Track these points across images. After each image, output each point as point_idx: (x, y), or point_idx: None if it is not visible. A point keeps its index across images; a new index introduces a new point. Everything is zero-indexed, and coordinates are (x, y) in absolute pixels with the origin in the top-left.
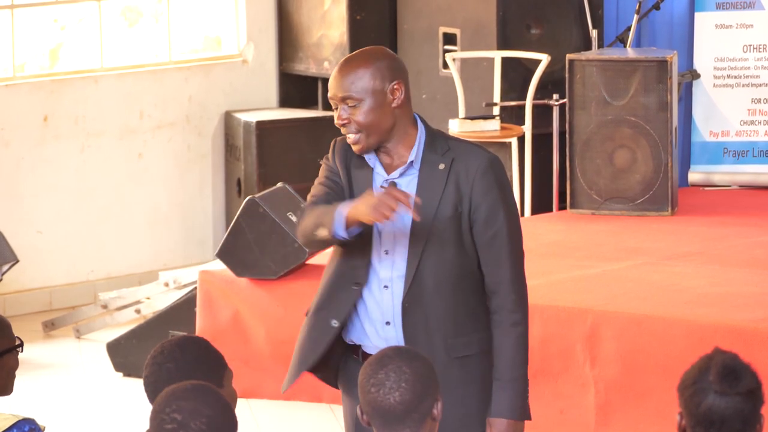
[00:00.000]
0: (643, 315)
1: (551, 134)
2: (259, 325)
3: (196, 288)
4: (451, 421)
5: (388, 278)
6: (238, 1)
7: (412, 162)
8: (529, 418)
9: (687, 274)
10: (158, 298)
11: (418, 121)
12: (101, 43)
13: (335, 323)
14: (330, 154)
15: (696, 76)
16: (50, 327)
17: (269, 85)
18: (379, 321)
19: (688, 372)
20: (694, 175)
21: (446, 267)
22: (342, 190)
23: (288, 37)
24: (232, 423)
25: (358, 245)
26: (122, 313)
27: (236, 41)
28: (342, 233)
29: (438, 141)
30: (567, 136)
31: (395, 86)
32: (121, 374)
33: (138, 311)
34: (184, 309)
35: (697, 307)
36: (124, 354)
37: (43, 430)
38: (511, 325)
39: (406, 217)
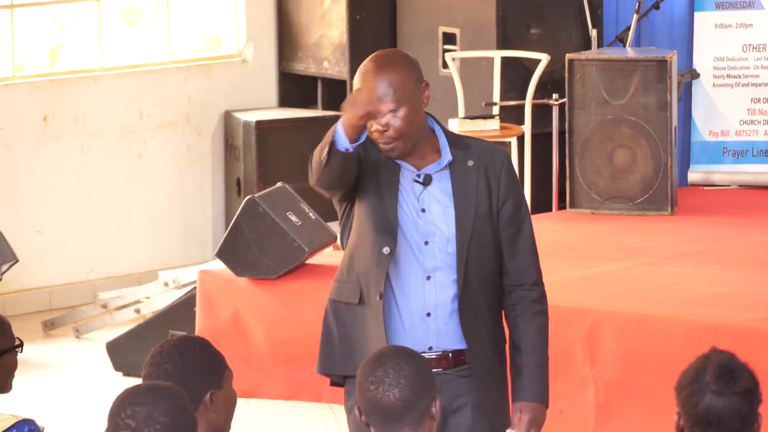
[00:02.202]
0: (643, 315)
1: (551, 134)
2: (258, 325)
3: (195, 288)
4: (502, 413)
5: (431, 269)
6: (237, 0)
7: (449, 160)
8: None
9: (686, 273)
10: (158, 298)
11: (430, 119)
12: (101, 43)
13: (377, 297)
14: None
15: (695, 75)
16: (50, 327)
17: (269, 85)
18: (419, 313)
19: (685, 372)
20: (694, 175)
21: (486, 260)
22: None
23: (288, 36)
24: (188, 427)
25: (381, 219)
26: (122, 312)
27: (236, 41)
28: (345, 144)
29: (457, 139)
30: (567, 135)
31: (424, 86)
32: (120, 374)
33: (137, 311)
34: (183, 309)
35: (696, 306)
36: (123, 354)
37: (43, 430)
38: (536, 314)
39: (447, 210)
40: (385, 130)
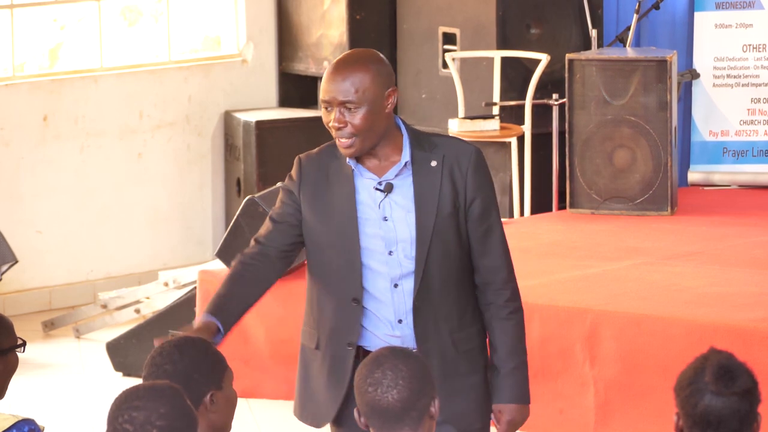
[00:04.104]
0: (643, 315)
1: (551, 134)
2: (258, 325)
3: (195, 288)
4: (460, 413)
5: (397, 277)
6: (237, 0)
7: (407, 162)
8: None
9: (686, 273)
10: (158, 298)
11: (399, 122)
12: (101, 43)
13: (350, 346)
14: (296, 173)
15: (696, 75)
16: (50, 327)
17: (269, 85)
18: (392, 320)
19: (684, 372)
20: (694, 175)
21: (450, 262)
22: (298, 215)
23: (288, 36)
24: (187, 427)
25: (341, 261)
26: (122, 312)
27: (236, 41)
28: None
29: (422, 138)
30: (567, 135)
31: (391, 92)
32: (120, 374)
33: (137, 311)
34: (183, 309)
35: (696, 306)
36: (123, 354)
37: (43, 430)
38: (510, 313)
39: (408, 216)
40: (341, 126)
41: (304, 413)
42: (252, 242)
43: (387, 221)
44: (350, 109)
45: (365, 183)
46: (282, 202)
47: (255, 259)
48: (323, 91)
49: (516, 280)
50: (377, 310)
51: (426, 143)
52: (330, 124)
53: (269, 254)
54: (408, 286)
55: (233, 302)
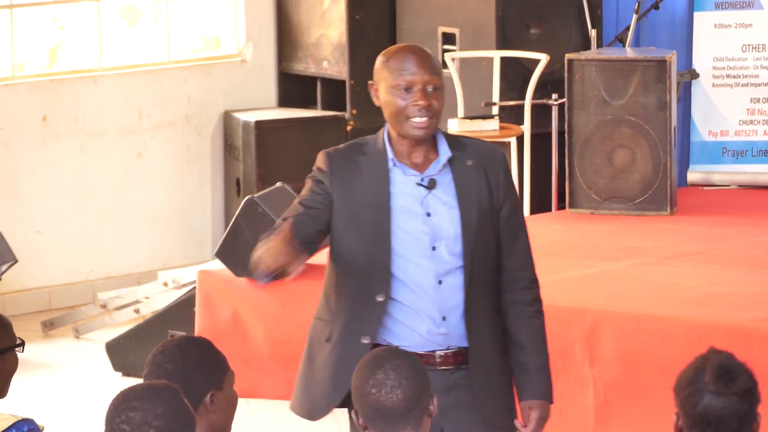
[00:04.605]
0: (642, 315)
1: (550, 134)
2: (258, 325)
3: (195, 288)
4: (499, 411)
5: (442, 273)
6: (237, 0)
7: (449, 158)
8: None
9: (686, 273)
10: (157, 298)
11: None
12: (100, 43)
13: (366, 340)
14: (325, 165)
15: (695, 75)
16: (49, 327)
17: (268, 85)
18: (435, 317)
19: (684, 372)
20: (693, 175)
21: (488, 260)
22: (328, 204)
23: (287, 36)
24: (185, 427)
25: (370, 257)
26: (121, 312)
27: (235, 41)
28: (259, 275)
29: (454, 139)
30: (566, 135)
31: None
32: (120, 374)
33: (137, 311)
34: (183, 309)
35: (696, 306)
36: (123, 354)
37: (42, 430)
38: (536, 312)
39: (451, 211)
40: (427, 105)
41: (301, 405)
42: (277, 222)
43: (431, 217)
44: (432, 90)
45: (405, 179)
46: (312, 190)
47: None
48: (404, 73)
49: (539, 284)
50: (416, 306)
51: (457, 143)
52: (415, 103)
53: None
54: (452, 282)
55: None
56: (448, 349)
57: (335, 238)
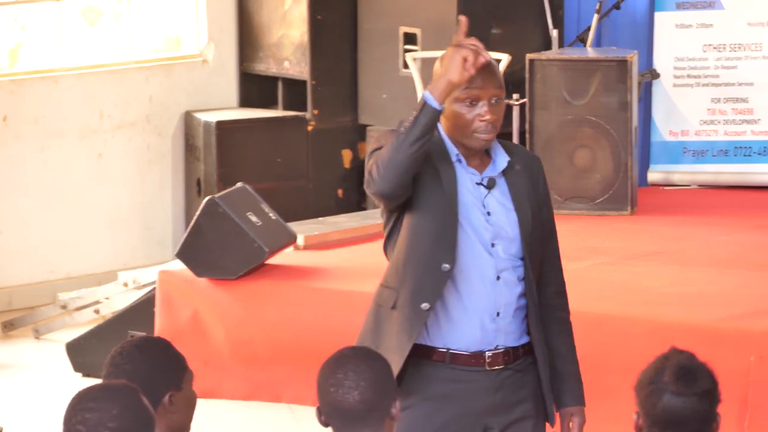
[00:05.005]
0: (604, 314)
1: (512, 134)
2: (218, 325)
3: (155, 288)
4: (543, 410)
5: (501, 269)
6: (198, 1)
7: (508, 160)
8: None
9: (647, 273)
10: (117, 299)
11: None
12: (61, 43)
13: (426, 306)
14: None
15: (656, 75)
16: (9, 327)
17: (229, 85)
18: (491, 312)
19: (645, 372)
20: (654, 175)
21: (537, 262)
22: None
23: (248, 36)
24: (142, 427)
25: (436, 239)
26: (81, 313)
27: (197, 41)
28: (436, 105)
29: (502, 143)
30: (527, 135)
31: None
32: (80, 374)
33: (97, 311)
34: (143, 309)
35: (657, 306)
36: (83, 354)
37: (2, 430)
38: (568, 316)
39: (508, 213)
40: (492, 120)
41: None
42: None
43: (491, 216)
44: (495, 101)
45: (467, 176)
46: None
47: None
48: (470, 87)
49: None
50: (474, 299)
51: (507, 147)
52: (482, 119)
53: None
54: (509, 279)
55: None
56: (496, 348)
57: (410, 211)
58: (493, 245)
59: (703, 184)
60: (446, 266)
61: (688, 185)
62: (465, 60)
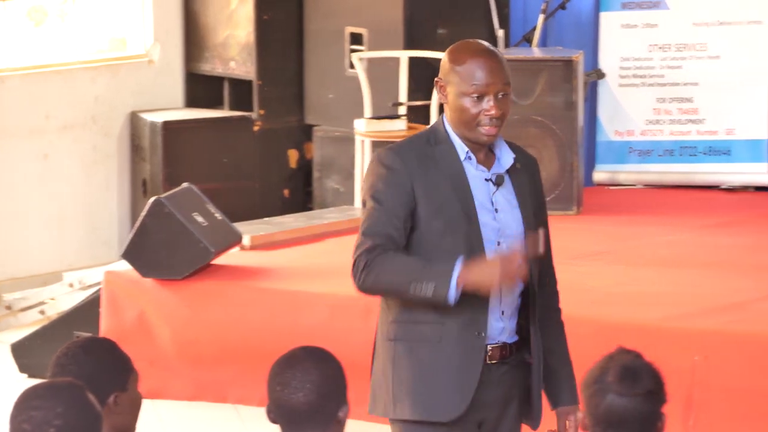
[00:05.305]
0: None
1: None
2: (164, 326)
3: (100, 289)
4: (524, 411)
5: None
6: (144, 1)
7: (514, 157)
8: None
9: (593, 273)
10: (63, 299)
11: None
12: (6, 43)
13: (479, 337)
14: (396, 161)
15: (601, 75)
16: None
17: (175, 86)
18: (496, 313)
19: (590, 371)
20: (600, 175)
21: (547, 264)
22: (412, 200)
23: (194, 37)
24: (88, 425)
25: (464, 247)
26: (26, 314)
27: (143, 41)
28: (451, 300)
29: (501, 138)
30: None
31: None
32: (25, 375)
33: (42, 312)
34: (88, 310)
35: (603, 306)
36: (28, 355)
37: None
38: (561, 318)
39: (513, 210)
40: (498, 115)
41: (427, 410)
42: (376, 241)
43: (499, 213)
44: (502, 96)
45: (476, 174)
46: (390, 193)
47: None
48: (476, 82)
49: None
50: (491, 300)
51: (509, 145)
52: (487, 113)
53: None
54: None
55: None
56: (496, 343)
57: (423, 233)
58: (498, 243)
59: (649, 183)
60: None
61: (634, 185)
62: (506, 276)
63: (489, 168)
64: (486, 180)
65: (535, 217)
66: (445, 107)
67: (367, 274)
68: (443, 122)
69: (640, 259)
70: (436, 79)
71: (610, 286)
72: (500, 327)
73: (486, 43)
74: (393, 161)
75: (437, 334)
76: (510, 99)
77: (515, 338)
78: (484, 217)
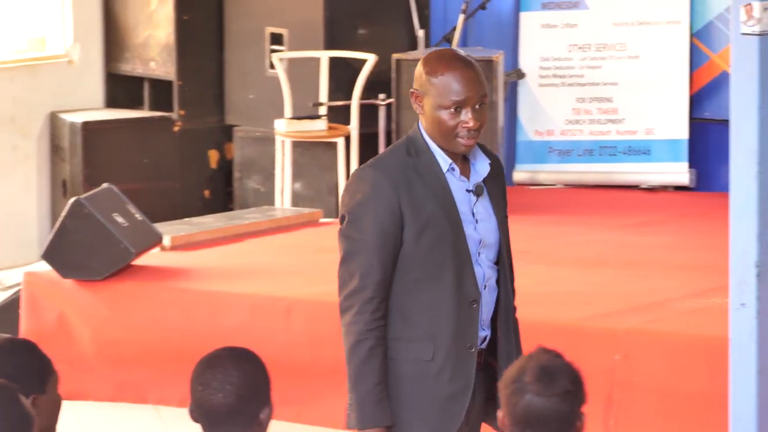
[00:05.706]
0: None
1: (377, 134)
2: (84, 327)
3: (20, 289)
4: (490, 412)
5: (487, 278)
6: (63, 0)
7: (490, 164)
8: None
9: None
10: None
11: None
12: None
13: (471, 350)
14: (380, 180)
15: (521, 75)
16: None
17: (95, 86)
18: (483, 321)
19: (509, 370)
20: (520, 174)
21: (505, 263)
22: (400, 230)
23: (114, 37)
24: (18, 424)
25: (455, 261)
26: None
27: (62, 41)
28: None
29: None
30: (394, 135)
31: None
32: None
33: None
34: (8, 311)
35: (523, 306)
36: None
37: None
38: (516, 316)
39: (490, 219)
40: (476, 126)
41: (426, 427)
42: (368, 296)
43: (479, 223)
44: (479, 106)
45: (458, 185)
46: (382, 222)
47: (381, 326)
48: (452, 94)
49: None
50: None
51: (481, 148)
52: (465, 125)
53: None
54: (491, 285)
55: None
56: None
57: (413, 252)
58: (479, 254)
59: (569, 183)
60: (473, 303)
61: (554, 185)
62: None
63: (467, 176)
64: (467, 191)
65: (505, 220)
66: (421, 118)
67: (354, 340)
68: (420, 131)
69: (560, 259)
70: (411, 90)
71: (531, 286)
72: (483, 336)
73: (461, 52)
74: (377, 181)
75: (430, 351)
76: (487, 107)
77: (483, 344)
78: (467, 229)
